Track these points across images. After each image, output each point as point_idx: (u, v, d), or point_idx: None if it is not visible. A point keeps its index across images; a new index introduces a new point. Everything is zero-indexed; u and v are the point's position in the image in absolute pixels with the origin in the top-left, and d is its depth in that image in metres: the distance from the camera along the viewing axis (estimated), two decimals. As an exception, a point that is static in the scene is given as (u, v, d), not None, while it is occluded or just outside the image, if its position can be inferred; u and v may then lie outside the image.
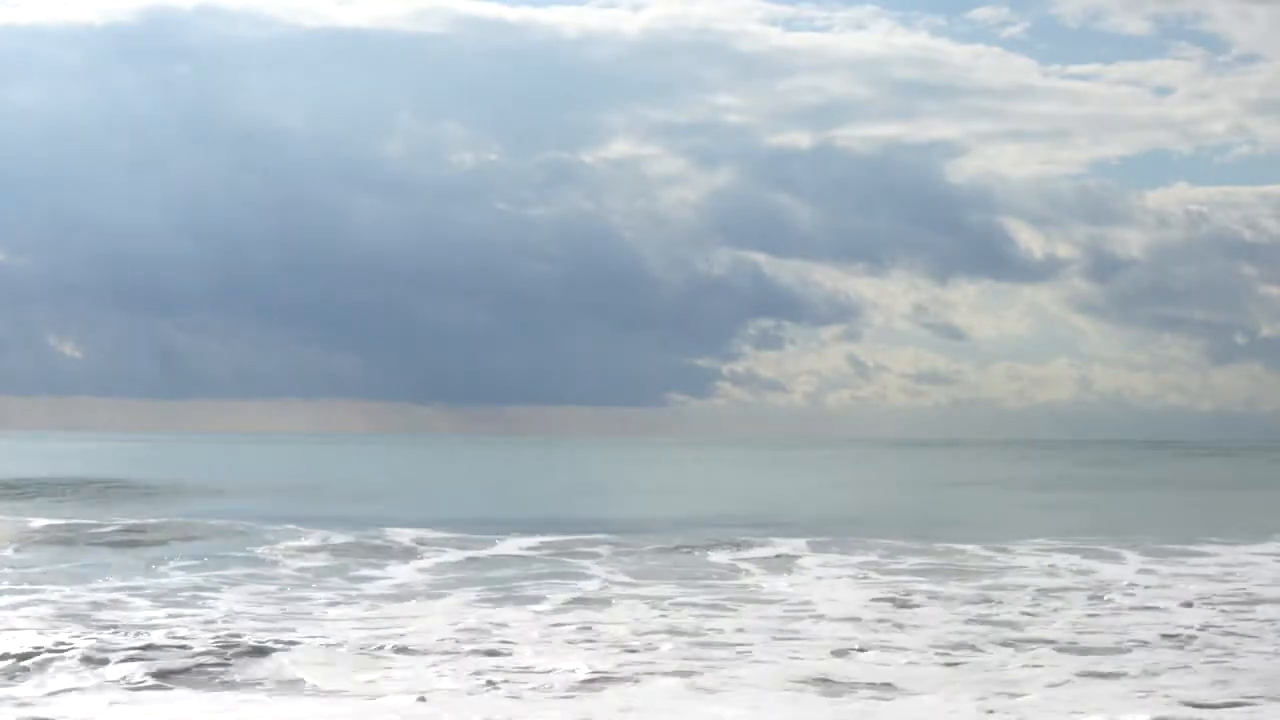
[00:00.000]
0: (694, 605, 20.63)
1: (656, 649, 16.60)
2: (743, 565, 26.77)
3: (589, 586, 23.21)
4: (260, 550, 28.42)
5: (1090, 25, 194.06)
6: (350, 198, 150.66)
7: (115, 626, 17.73)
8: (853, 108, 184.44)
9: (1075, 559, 28.17)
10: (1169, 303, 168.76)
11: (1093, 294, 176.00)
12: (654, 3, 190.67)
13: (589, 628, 18.20)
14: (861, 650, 16.76)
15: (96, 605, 20.02)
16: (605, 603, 21.01)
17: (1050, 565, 27.04)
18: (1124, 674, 15.31)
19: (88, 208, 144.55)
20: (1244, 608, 20.78)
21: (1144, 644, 17.31)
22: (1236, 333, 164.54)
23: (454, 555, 28.06)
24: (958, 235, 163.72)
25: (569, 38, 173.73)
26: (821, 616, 19.65)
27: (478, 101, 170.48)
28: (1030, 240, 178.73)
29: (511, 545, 30.05)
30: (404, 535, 31.50)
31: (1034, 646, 17.12)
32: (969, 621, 19.18)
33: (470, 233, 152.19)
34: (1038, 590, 22.91)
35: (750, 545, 30.31)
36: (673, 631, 17.97)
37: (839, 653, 16.62)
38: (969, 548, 29.95)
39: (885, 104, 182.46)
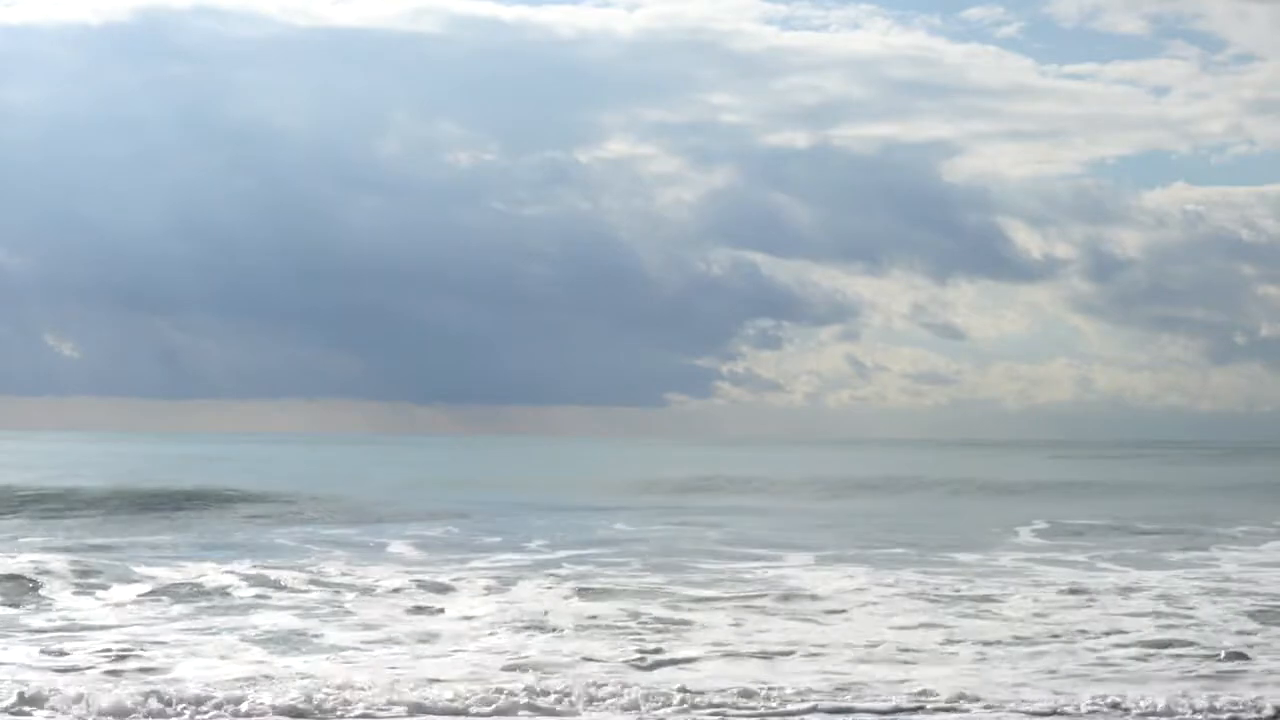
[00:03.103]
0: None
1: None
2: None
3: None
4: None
5: (1086, 24, 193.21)
6: (346, 197, 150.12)
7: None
8: (849, 107, 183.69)
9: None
10: (1168, 303, 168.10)
11: (1091, 294, 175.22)
12: (649, 2, 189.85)
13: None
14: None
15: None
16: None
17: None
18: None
19: (85, 207, 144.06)
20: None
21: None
22: (1236, 333, 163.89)
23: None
24: (956, 235, 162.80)
25: (565, 37, 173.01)
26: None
27: (473, 101, 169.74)
28: (1028, 240, 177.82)
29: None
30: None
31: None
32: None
33: (467, 233, 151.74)
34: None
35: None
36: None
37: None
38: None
39: (882, 103, 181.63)
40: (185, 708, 13.67)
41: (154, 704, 13.72)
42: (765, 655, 16.72)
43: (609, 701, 14.12)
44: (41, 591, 21.65)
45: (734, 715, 13.80)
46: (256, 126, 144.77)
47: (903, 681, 15.13)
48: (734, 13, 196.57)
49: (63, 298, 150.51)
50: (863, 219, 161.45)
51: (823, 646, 17.28)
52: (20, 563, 24.89)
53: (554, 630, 18.41)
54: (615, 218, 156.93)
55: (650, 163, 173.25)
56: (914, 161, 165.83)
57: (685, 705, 13.99)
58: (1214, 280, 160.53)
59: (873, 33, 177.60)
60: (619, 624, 19.01)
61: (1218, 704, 14.25)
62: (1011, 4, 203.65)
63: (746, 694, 14.35)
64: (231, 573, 24.13)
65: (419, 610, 20.20)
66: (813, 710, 13.97)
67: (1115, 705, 14.21)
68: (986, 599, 21.68)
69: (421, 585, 22.79)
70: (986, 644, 17.58)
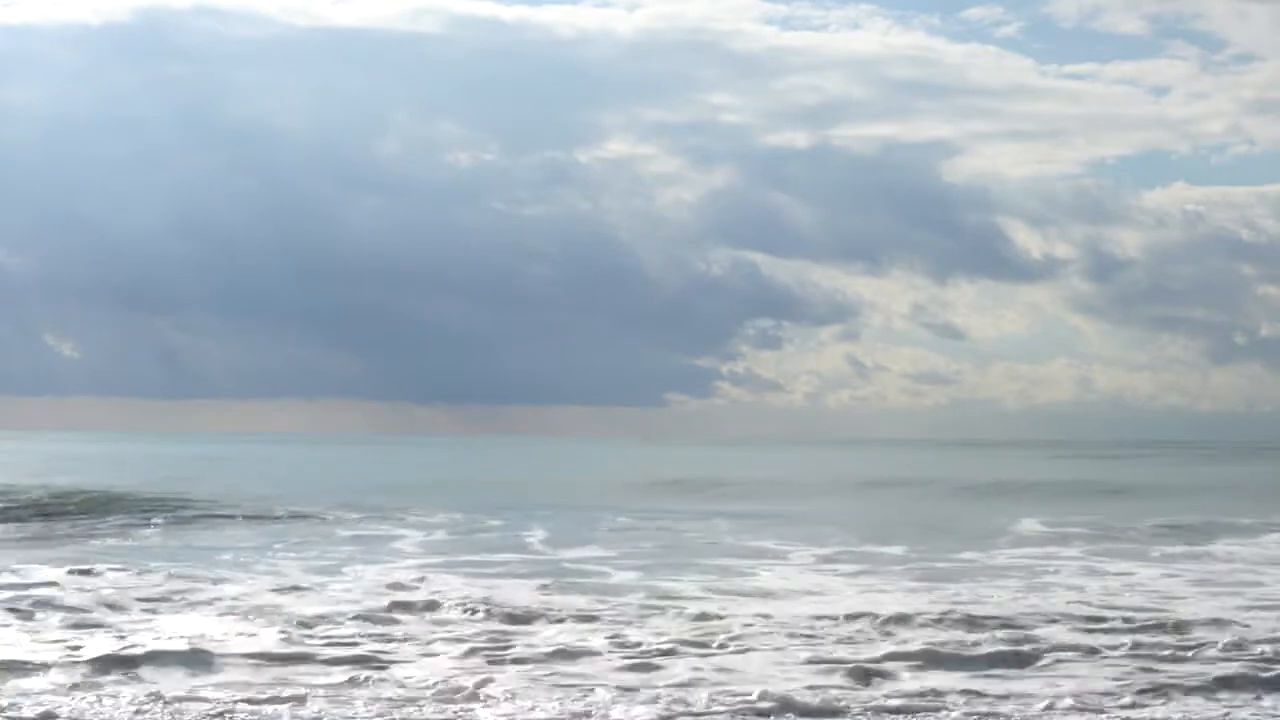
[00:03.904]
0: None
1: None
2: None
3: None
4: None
5: (1086, 24, 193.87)
6: (346, 197, 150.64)
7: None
8: (849, 107, 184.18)
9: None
10: (1168, 303, 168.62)
11: (1091, 294, 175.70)
12: (649, 2, 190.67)
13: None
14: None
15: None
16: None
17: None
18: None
19: (85, 207, 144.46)
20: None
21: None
22: (1236, 333, 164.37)
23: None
24: (955, 235, 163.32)
25: (564, 37, 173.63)
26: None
27: (473, 101, 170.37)
28: (1028, 240, 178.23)
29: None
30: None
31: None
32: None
33: (467, 233, 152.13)
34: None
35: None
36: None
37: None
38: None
39: (882, 103, 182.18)
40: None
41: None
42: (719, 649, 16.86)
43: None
44: (47, 596, 21.76)
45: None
46: (256, 126, 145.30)
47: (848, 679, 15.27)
48: (734, 13, 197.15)
49: (63, 298, 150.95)
50: (863, 219, 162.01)
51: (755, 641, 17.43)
52: (18, 565, 25.04)
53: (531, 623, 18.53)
54: (615, 218, 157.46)
55: (650, 163, 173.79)
56: (914, 161, 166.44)
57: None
58: (1214, 280, 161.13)
59: (873, 33, 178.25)
60: (594, 614, 19.18)
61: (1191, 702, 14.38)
62: (1011, 4, 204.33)
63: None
64: (233, 571, 24.27)
65: (409, 600, 20.33)
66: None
67: (1134, 705, 14.32)
68: (978, 595, 21.79)
69: (415, 582, 22.94)
70: (958, 638, 17.61)
